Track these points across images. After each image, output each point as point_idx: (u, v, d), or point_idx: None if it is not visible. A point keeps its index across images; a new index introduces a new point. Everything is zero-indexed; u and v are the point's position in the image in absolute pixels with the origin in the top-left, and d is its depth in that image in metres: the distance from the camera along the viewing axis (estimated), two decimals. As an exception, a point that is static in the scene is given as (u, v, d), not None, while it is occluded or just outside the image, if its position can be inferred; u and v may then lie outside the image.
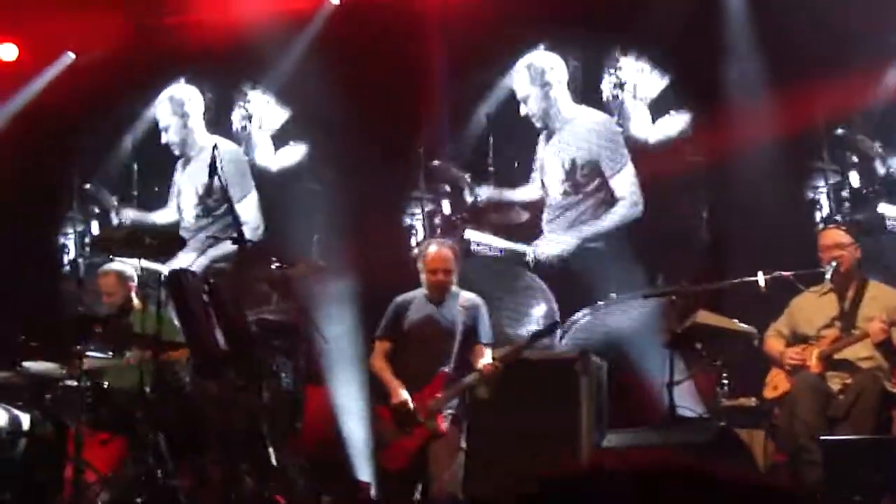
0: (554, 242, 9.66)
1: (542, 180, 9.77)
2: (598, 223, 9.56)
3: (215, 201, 10.56)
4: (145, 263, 7.73)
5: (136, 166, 11.06)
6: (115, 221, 11.09)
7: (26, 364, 7.62)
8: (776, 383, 7.27)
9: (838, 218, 8.73)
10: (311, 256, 9.98)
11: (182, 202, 10.90)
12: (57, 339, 7.64)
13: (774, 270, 7.36)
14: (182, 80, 11.03)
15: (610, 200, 9.55)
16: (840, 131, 8.93)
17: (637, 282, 8.95)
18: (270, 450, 6.93)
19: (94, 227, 11.19)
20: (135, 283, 8.27)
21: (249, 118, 10.80)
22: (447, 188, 10.06)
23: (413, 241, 9.99)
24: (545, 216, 9.72)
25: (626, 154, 9.55)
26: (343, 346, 9.20)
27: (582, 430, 7.77)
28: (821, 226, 8.51)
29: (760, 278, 7.33)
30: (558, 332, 9.04)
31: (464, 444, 7.10)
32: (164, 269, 8.80)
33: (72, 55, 11.09)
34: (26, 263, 10.71)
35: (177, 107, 11.03)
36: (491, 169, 9.93)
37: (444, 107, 9.93)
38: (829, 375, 7.07)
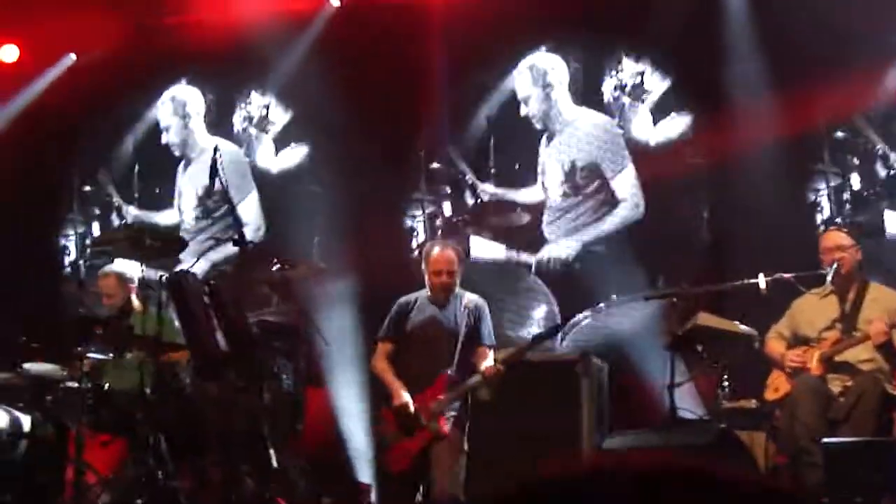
0: (555, 247, 9.65)
1: (542, 182, 9.77)
2: (599, 226, 9.56)
3: (215, 203, 10.57)
4: (148, 271, 7.75)
5: (136, 167, 11.07)
6: (115, 222, 11.09)
7: (27, 365, 7.63)
8: (777, 385, 7.27)
9: (839, 220, 8.73)
10: (311, 258, 9.99)
11: (182, 204, 10.90)
12: (58, 341, 7.64)
13: (775, 272, 7.35)
14: (183, 81, 11.03)
15: (611, 202, 9.55)
16: (841, 134, 8.93)
17: (638, 284, 8.94)
18: (271, 451, 6.93)
19: (95, 229, 11.20)
20: (135, 285, 8.27)
21: (250, 120, 10.81)
22: (448, 190, 10.06)
23: (414, 243, 9.99)
24: (545, 218, 9.72)
25: (626, 156, 9.55)
26: (344, 348, 9.19)
27: (583, 431, 7.77)
28: (822, 228, 8.51)
29: (761, 280, 7.32)
30: (559, 333, 9.03)
31: (466, 447, 7.09)
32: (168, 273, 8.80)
33: (73, 56, 11.09)
34: (27, 265, 10.72)
35: (178, 107, 11.04)
36: (492, 171, 9.94)
37: (445, 108, 9.93)
38: (830, 377, 7.07)
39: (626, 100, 9.63)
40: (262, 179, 10.66)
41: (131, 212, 11.04)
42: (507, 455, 7.29)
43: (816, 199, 8.97)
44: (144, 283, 8.17)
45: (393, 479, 7.31)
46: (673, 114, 9.45)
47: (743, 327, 7.44)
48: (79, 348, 7.21)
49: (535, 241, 9.72)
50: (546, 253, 9.66)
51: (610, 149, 9.62)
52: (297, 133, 10.61)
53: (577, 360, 8.07)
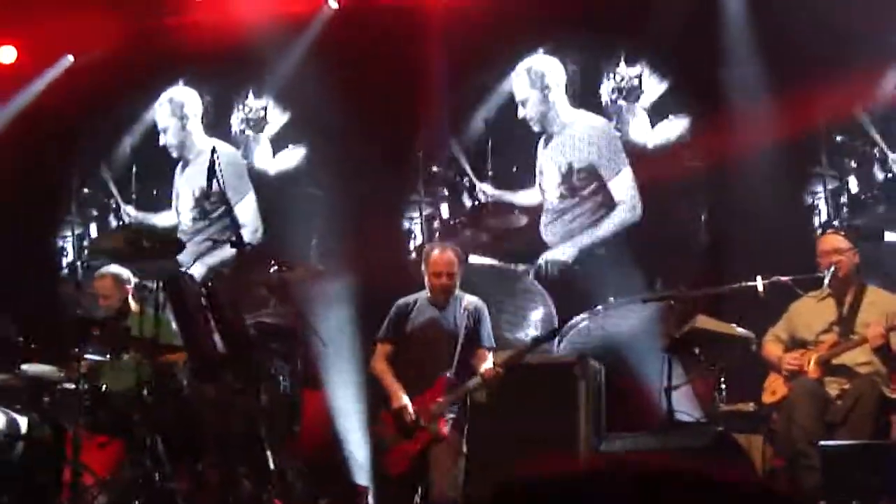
0: (553, 252, 9.64)
1: (539, 184, 9.77)
2: (596, 229, 9.56)
3: (212, 204, 10.56)
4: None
5: (134, 168, 11.06)
6: (113, 224, 11.08)
7: (24, 366, 7.62)
8: (774, 388, 7.27)
9: (837, 223, 8.74)
10: (309, 260, 9.99)
11: (180, 205, 10.89)
12: (55, 342, 7.63)
13: (773, 275, 7.36)
14: (181, 83, 11.02)
15: (608, 204, 9.55)
16: (839, 137, 8.93)
17: (636, 286, 8.95)
18: (268, 453, 6.93)
19: (93, 230, 11.19)
20: (131, 286, 8.27)
21: (248, 121, 10.80)
22: (446, 192, 10.06)
23: (412, 245, 9.99)
24: (543, 220, 9.72)
25: (624, 158, 9.54)
26: (341, 350, 9.19)
27: (580, 434, 7.77)
28: (819, 231, 8.52)
29: (759, 283, 7.33)
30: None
31: (465, 449, 7.09)
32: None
33: (71, 57, 11.09)
34: (25, 265, 10.71)
35: (176, 109, 11.03)
36: (490, 173, 9.94)
37: (443, 110, 9.93)
38: (828, 381, 7.07)
39: (623, 102, 9.63)
40: (260, 181, 10.66)
41: (130, 212, 11.03)
42: (504, 457, 7.28)
43: (814, 202, 8.98)
44: (141, 285, 8.16)
45: (391, 481, 7.30)
46: (671, 116, 9.45)
47: (740, 330, 7.44)
48: (76, 349, 7.20)
49: (532, 243, 9.71)
50: (544, 259, 9.66)
51: (607, 151, 9.61)
52: (294, 135, 10.60)
53: (575, 362, 8.06)
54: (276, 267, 8.31)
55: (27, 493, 7.20)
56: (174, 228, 10.74)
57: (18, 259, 10.64)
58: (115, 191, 11.12)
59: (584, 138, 9.71)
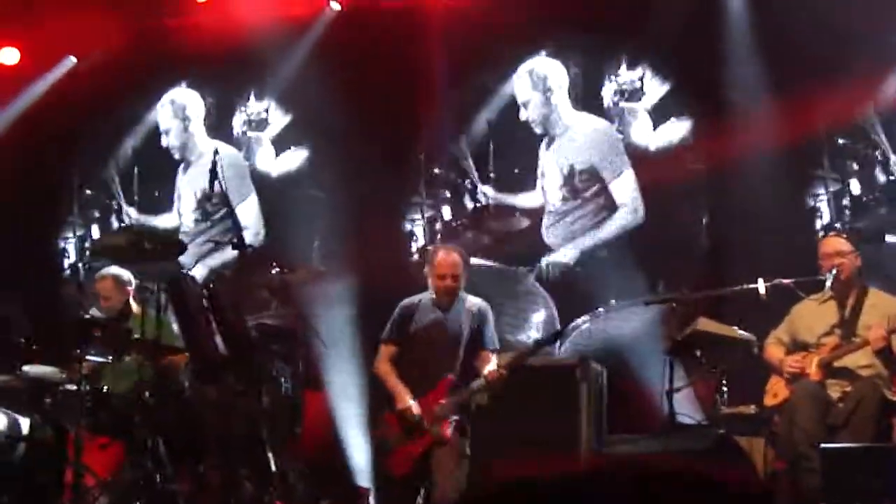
0: (555, 254, 9.64)
1: (541, 186, 9.77)
2: (598, 231, 9.55)
3: (214, 206, 10.56)
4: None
5: (136, 170, 11.06)
6: (115, 225, 11.08)
7: (26, 368, 7.61)
8: (776, 391, 7.27)
9: (839, 225, 8.73)
10: (311, 262, 9.99)
11: (182, 207, 10.89)
12: (57, 343, 7.63)
13: (775, 278, 7.36)
14: (183, 84, 11.02)
15: (610, 206, 9.54)
16: (841, 139, 8.93)
17: (637, 288, 8.95)
18: (270, 455, 6.93)
19: (95, 232, 11.19)
20: (132, 288, 8.27)
21: (250, 123, 10.80)
22: (447, 194, 10.06)
23: (413, 247, 9.99)
24: (545, 222, 9.72)
25: (626, 160, 9.54)
26: (342, 351, 9.19)
27: (581, 436, 7.77)
28: (821, 233, 8.51)
29: (761, 286, 7.32)
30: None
31: (468, 451, 7.08)
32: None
33: (73, 59, 11.09)
34: (27, 267, 10.71)
35: (178, 111, 11.03)
36: (492, 175, 9.93)
37: (445, 112, 9.93)
38: (829, 383, 7.07)
39: (625, 104, 9.63)
40: (262, 183, 10.65)
41: (131, 214, 11.03)
42: (506, 459, 7.27)
43: (816, 204, 8.97)
44: (142, 286, 8.16)
45: (394, 482, 7.30)
46: (673, 119, 9.45)
47: (742, 332, 7.44)
48: (78, 351, 7.20)
49: (534, 245, 9.71)
50: (545, 261, 9.66)
51: (609, 153, 9.61)
52: (296, 136, 10.60)
53: (577, 364, 8.07)
54: (277, 269, 8.31)
55: (29, 494, 7.19)
56: (176, 230, 10.74)
57: (20, 260, 10.64)
58: (116, 192, 11.12)
59: (586, 140, 9.71)
